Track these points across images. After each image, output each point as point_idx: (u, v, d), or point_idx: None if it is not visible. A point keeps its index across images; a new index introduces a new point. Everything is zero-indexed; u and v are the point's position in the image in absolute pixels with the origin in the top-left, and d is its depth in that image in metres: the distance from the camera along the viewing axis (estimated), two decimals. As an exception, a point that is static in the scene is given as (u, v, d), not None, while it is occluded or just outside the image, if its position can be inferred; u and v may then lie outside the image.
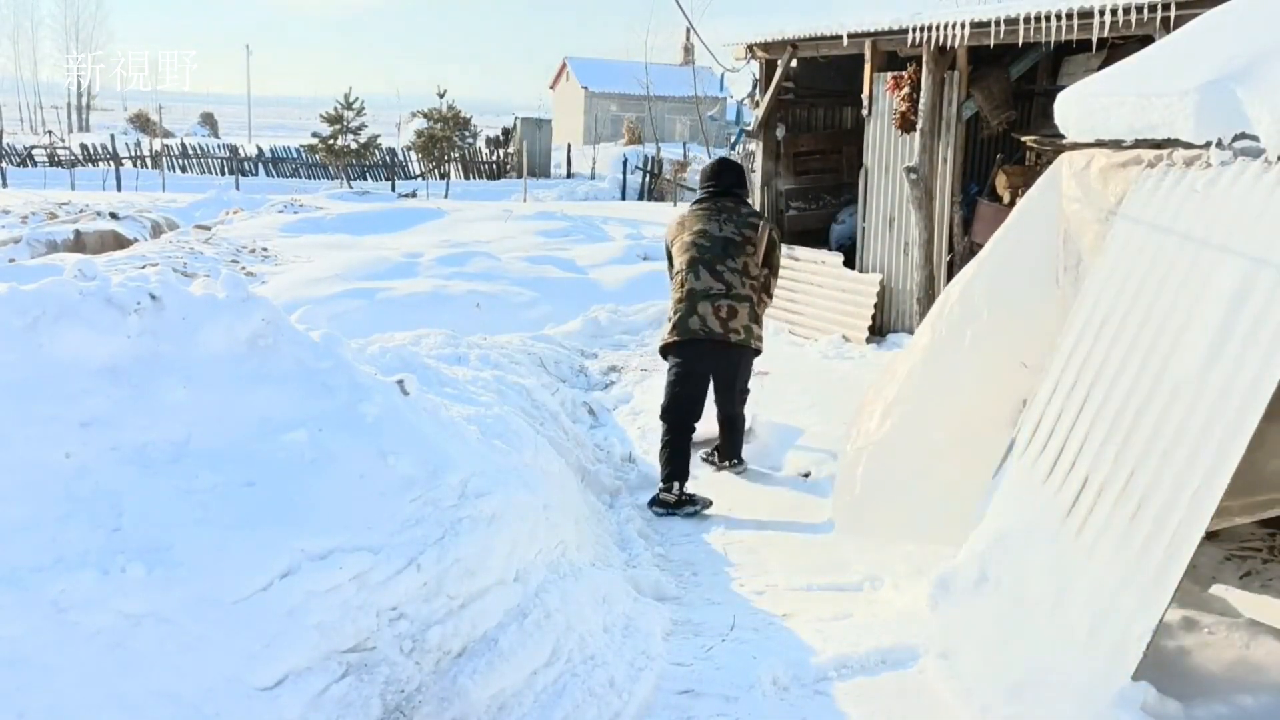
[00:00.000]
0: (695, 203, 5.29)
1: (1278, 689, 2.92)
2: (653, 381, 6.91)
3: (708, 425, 5.29)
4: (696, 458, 5.24)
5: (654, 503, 4.87)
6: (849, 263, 8.49)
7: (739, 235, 5.00)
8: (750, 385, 5.30)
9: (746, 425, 5.44)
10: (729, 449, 5.36)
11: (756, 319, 5.01)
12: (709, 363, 5.01)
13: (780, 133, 9.33)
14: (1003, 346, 3.82)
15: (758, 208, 9.44)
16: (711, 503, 4.88)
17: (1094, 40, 6.18)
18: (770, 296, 5.21)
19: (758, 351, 5.12)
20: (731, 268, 4.92)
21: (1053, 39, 6.46)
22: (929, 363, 4.08)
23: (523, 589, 3.08)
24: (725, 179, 5.25)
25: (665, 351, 5.13)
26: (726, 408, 5.20)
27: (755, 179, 9.48)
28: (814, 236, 9.49)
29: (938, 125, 7.48)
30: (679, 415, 5.01)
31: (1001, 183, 7.59)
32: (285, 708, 2.35)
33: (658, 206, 21.09)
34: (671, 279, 5.15)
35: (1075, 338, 3.40)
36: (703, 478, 5.21)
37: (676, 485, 4.88)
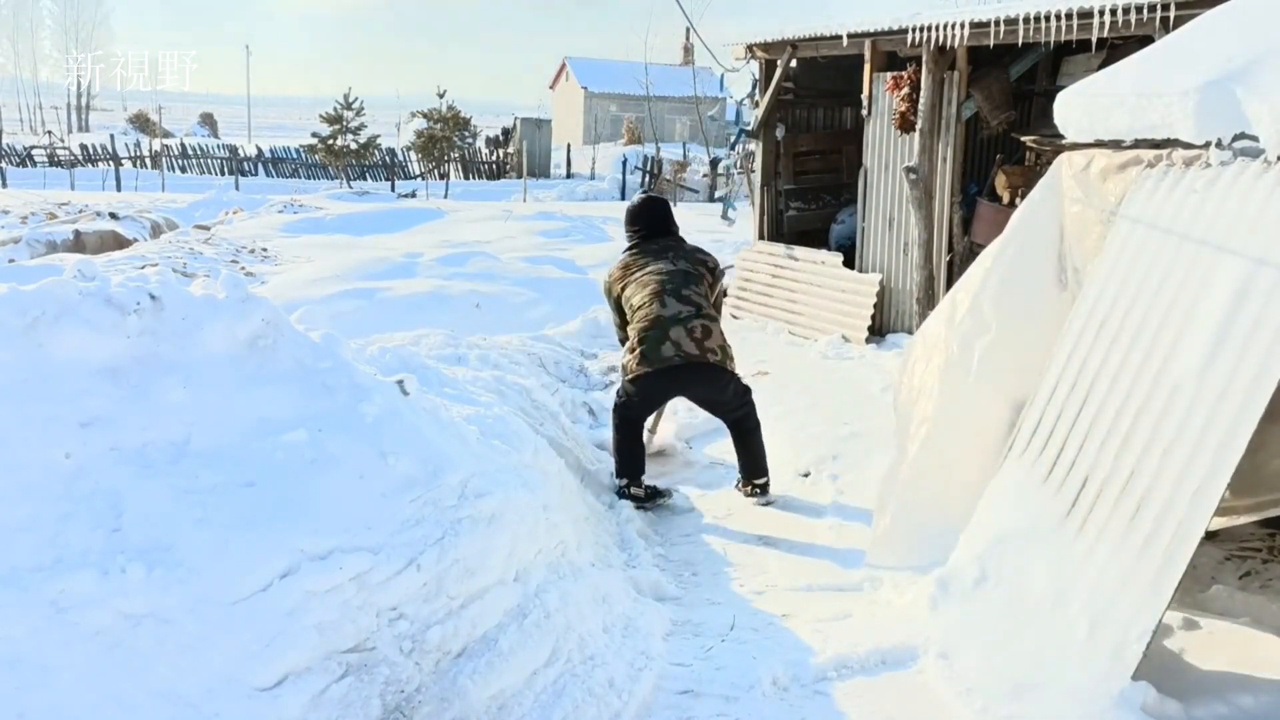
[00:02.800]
0: (627, 250, 5.02)
1: (1278, 689, 2.92)
2: (652, 381, 6.90)
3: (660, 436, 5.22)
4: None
5: (622, 495, 4.81)
6: (849, 263, 8.48)
7: (694, 269, 4.84)
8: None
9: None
10: (748, 463, 4.89)
11: (727, 342, 4.80)
12: (681, 386, 4.80)
13: (780, 133, 9.33)
14: (1015, 356, 3.77)
15: (758, 208, 9.47)
16: (673, 493, 4.91)
17: (1094, 40, 6.17)
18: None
19: (730, 372, 4.81)
20: (697, 291, 4.75)
21: (1052, 39, 6.46)
22: (945, 382, 3.93)
23: (522, 589, 3.08)
24: (653, 218, 5.03)
25: (631, 381, 4.74)
26: (726, 415, 4.88)
27: (755, 179, 9.49)
28: (814, 236, 9.49)
29: (937, 125, 7.48)
30: (635, 413, 4.84)
31: (1001, 183, 7.59)
32: (285, 708, 2.35)
33: (657, 206, 21.03)
34: (627, 324, 4.82)
35: (1075, 338, 3.40)
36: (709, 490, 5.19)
37: (641, 480, 4.83)
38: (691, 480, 5.25)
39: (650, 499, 4.84)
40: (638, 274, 4.86)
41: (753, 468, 4.90)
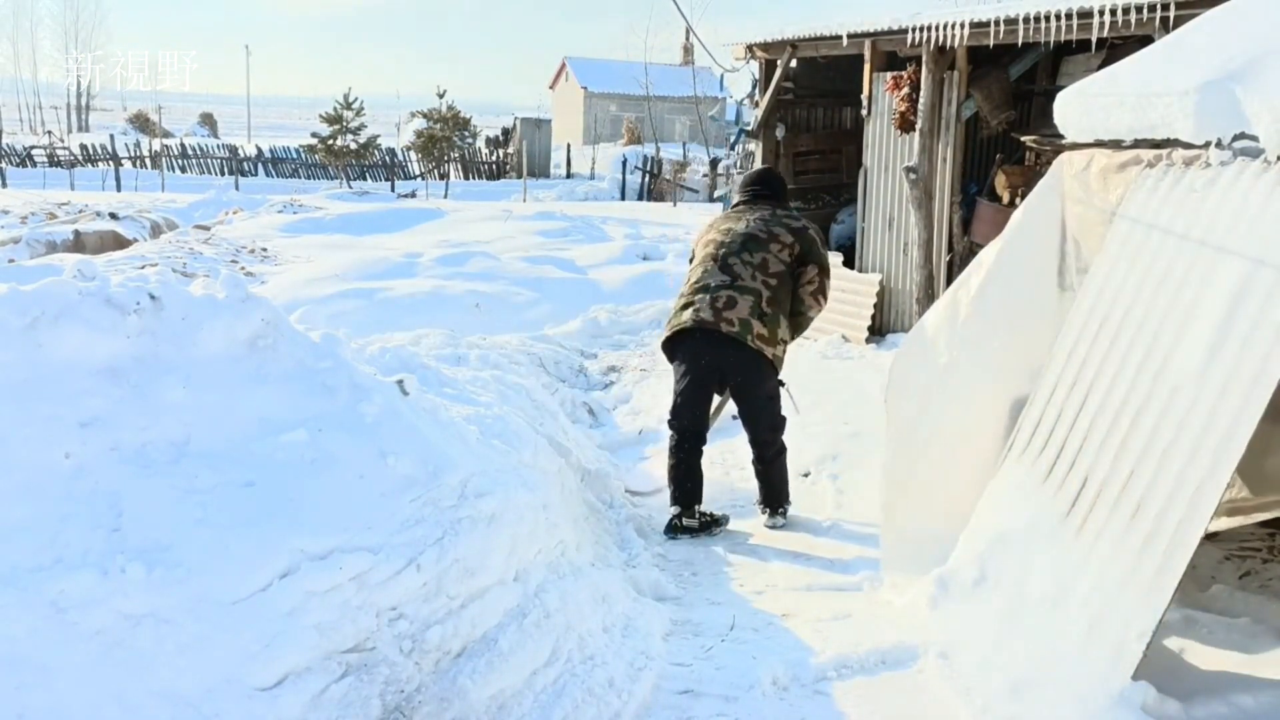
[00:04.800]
0: (732, 205, 5.08)
1: (1278, 689, 2.92)
2: (652, 382, 6.91)
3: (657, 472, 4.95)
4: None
5: (672, 530, 4.55)
6: (849, 263, 8.48)
7: (764, 231, 4.63)
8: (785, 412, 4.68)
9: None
10: (767, 492, 4.67)
11: (763, 316, 4.44)
12: (709, 359, 4.53)
13: (780, 133, 9.32)
14: (1016, 356, 3.76)
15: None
16: (729, 517, 4.69)
17: (1094, 40, 6.17)
18: (823, 298, 4.69)
19: (765, 357, 4.47)
20: (745, 260, 4.53)
21: (1052, 39, 6.45)
22: (950, 386, 3.88)
23: (522, 589, 3.08)
24: (766, 185, 5.02)
25: (666, 349, 4.78)
26: (751, 428, 4.63)
27: (755, 179, 9.47)
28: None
29: (937, 125, 7.48)
30: (683, 419, 4.62)
31: (1001, 183, 7.59)
32: (285, 708, 2.35)
33: (657, 206, 21.12)
34: None
35: (1075, 337, 3.40)
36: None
37: (694, 508, 4.58)
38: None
39: (705, 529, 4.58)
40: (714, 231, 4.84)
41: (769, 496, 4.68)
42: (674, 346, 4.70)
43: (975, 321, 3.86)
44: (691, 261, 4.91)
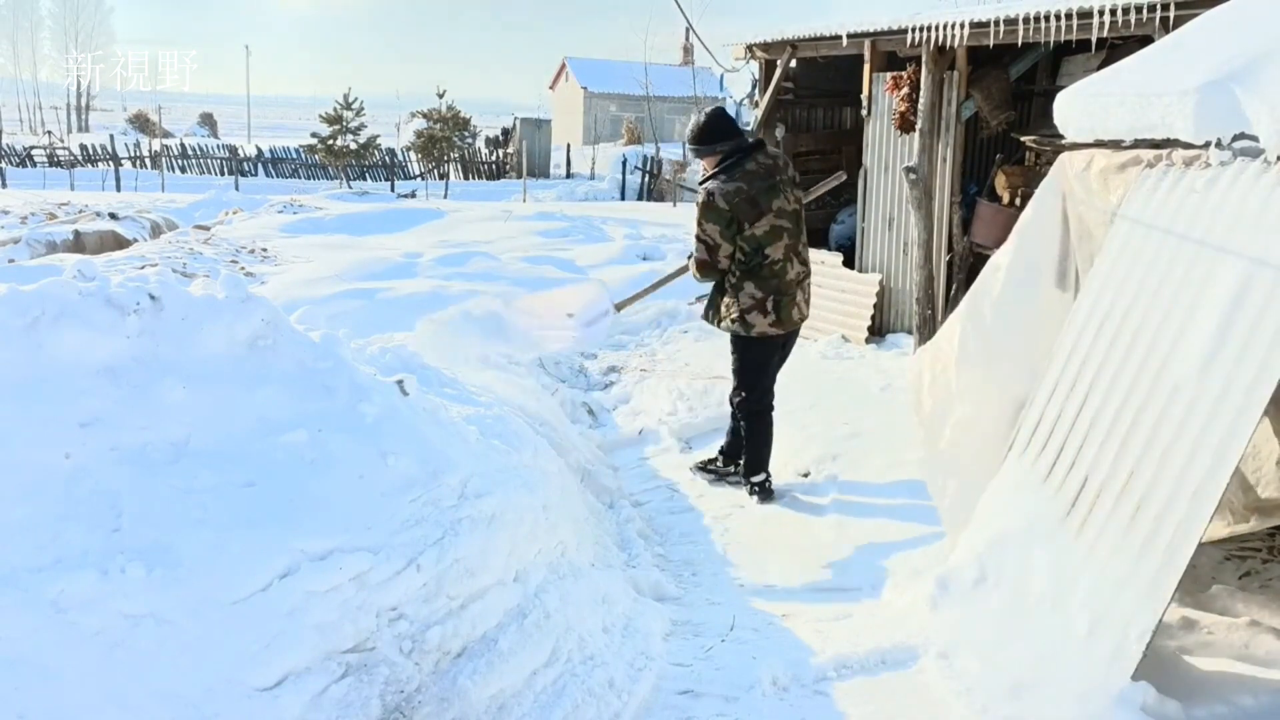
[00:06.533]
0: (736, 165, 4.67)
1: (1278, 689, 2.92)
2: (651, 382, 6.91)
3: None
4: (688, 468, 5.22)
5: (763, 494, 4.92)
6: (849, 263, 8.49)
7: (800, 203, 4.88)
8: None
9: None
10: (737, 449, 5.17)
11: None
12: (786, 347, 5.06)
13: (780, 133, 9.32)
14: (1020, 356, 3.77)
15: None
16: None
17: (1093, 40, 6.17)
18: None
19: None
20: (804, 243, 4.91)
21: (1052, 39, 6.45)
22: (989, 383, 3.91)
23: (522, 589, 3.08)
24: (736, 129, 4.83)
25: (757, 339, 4.79)
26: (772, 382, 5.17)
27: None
28: (813, 237, 9.47)
29: (937, 125, 7.47)
30: (770, 393, 5.03)
31: (1001, 183, 7.59)
32: (285, 708, 2.35)
33: (657, 206, 21.10)
34: (747, 262, 4.67)
35: (1075, 337, 3.40)
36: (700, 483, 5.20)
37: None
38: (691, 479, 5.25)
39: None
40: (762, 216, 4.64)
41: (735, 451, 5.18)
42: (774, 339, 4.88)
43: (995, 321, 3.88)
44: (714, 243, 4.66)
